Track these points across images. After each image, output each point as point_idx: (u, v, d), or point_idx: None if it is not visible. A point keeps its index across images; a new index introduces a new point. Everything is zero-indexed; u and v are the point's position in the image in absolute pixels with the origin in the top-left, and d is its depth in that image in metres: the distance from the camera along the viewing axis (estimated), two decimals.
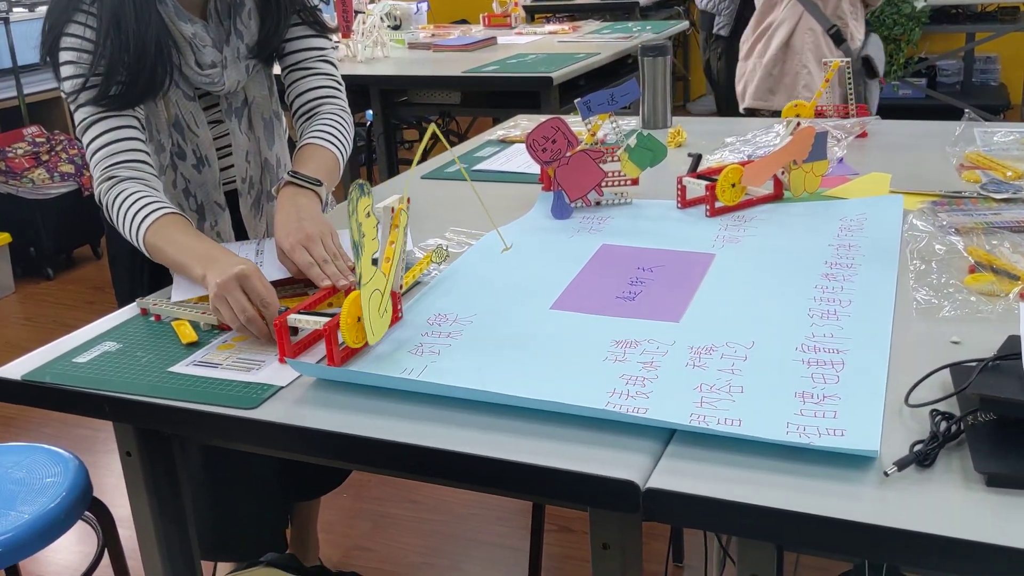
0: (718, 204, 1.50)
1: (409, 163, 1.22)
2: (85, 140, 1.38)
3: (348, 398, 1.00)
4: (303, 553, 2.00)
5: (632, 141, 1.55)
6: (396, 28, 4.53)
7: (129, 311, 1.27)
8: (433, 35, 4.07)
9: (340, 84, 1.56)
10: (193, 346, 1.14)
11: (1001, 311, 1.10)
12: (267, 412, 0.99)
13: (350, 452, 0.96)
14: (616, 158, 1.57)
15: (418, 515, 2.35)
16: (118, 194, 1.34)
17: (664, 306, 1.18)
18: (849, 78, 1.88)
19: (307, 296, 1.20)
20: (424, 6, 4.70)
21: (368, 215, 1.03)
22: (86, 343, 1.18)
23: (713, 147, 1.88)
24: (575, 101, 1.55)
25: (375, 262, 1.05)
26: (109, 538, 1.55)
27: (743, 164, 1.52)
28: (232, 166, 1.55)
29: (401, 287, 1.17)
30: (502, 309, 1.20)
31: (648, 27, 4.04)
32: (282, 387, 1.03)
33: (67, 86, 1.37)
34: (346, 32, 3.67)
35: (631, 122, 2.17)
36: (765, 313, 1.14)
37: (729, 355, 1.04)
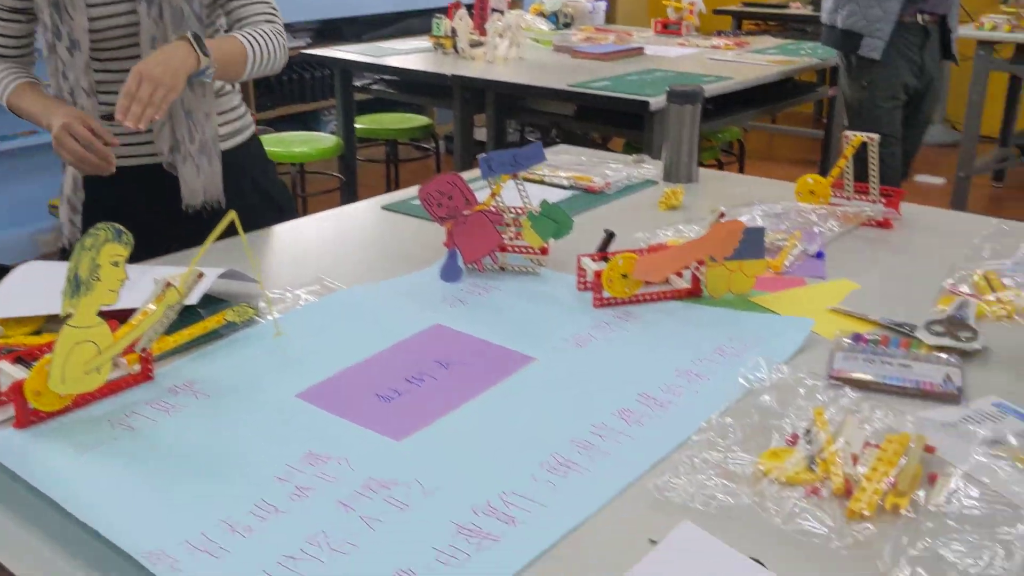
0: (605, 294, 1.31)
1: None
2: None
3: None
4: None
5: (536, 209, 1.39)
6: (567, 26, 4.42)
7: None
8: (588, 39, 3.91)
9: (274, 11, 1.67)
10: None
11: (748, 508, 0.86)
12: None
13: None
14: (520, 224, 1.41)
15: None
16: None
17: (406, 417, 1.03)
18: (874, 156, 1.58)
19: (55, 335, 1.13)
20: (602, 5, 4.55)
21: (116, 264, 0.98)
22: None
23: (715, 213, 1.65)
24: (478, 156, 1.41)
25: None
26: None
27: (641, 252, 1.31)
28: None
29: (145, 350, 1.09)
30: (252, 387, 1.10)
31: (819, 50, 3.66)
32: None
33: None
34: (481, 31, 3.61)
35: (650, 168, 1.95)
36: (503, 452, 0.96)
37: (396, 499, 0.88)
